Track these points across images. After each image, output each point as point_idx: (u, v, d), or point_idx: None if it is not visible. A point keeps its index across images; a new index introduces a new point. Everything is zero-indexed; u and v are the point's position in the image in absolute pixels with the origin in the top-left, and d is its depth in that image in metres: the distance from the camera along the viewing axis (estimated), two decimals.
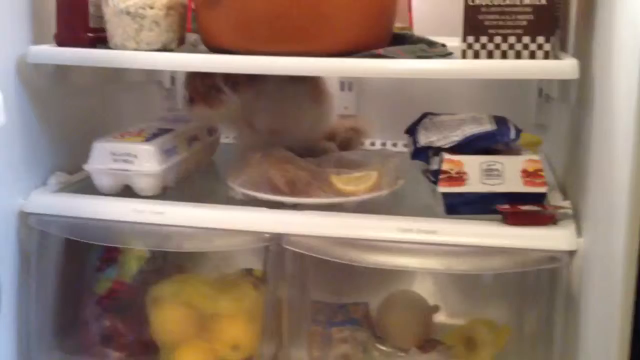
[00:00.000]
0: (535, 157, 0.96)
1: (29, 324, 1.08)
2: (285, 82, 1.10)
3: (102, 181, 1.08)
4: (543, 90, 1.29)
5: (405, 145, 1.29)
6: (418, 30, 1.15)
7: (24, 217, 1.05)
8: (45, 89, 1.10)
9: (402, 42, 1.02)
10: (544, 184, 0.96)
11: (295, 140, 1.15)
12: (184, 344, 1.07)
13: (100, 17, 1.04)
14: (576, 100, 0.96)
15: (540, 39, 0.90)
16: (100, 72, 1.14)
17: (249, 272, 1.10)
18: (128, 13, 0.99)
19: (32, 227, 1.05)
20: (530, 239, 0.92)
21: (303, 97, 1.15)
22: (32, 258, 1.07)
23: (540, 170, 0.96)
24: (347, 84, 1.38)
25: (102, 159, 1.06)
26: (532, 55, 0.91)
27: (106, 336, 1.09)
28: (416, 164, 1.06)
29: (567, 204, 0.98)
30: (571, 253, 0.91)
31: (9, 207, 1.04)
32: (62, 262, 1.10)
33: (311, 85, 1.17)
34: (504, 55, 0.91)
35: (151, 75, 1.42)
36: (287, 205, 1.02)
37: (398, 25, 1.09)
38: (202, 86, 1.11)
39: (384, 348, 1.05)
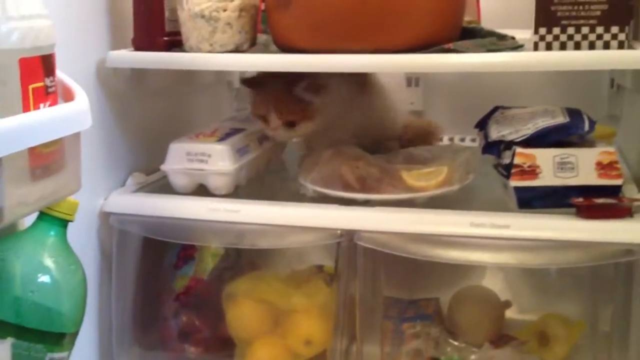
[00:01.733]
0: (610, 148, 0.95)
1: (109, 320, 1.11)
2: (338, 79, 1.11)
3: (178, 181, 1.11)
4: (615, 81, 1.26)
5: (473, 140, 1.29)
6: (485, 23, 1.14)
7: (105, 217, 1.09)
8: (123, 92, 1.13)
9: (471, 35, 1.02)
10: (620, 176, 0.94)
11: (362, 137, 1.16)
12: (259, 339, 1.10)
13: (175, 21, 1.07)
14: None
15: (615, 29, 0.88)
16: (173, 74, 1.18)
17: (321, 268, 1.12)
18: (202, 16, 1.02)
19: (112, 227, 1.09)
20: (605, 232, 0.90)
21: (356, 93, 1.16)
22: (112, 256, 1.10)
23: (616, 162, 0.94)
24: (414, 79, 1.38)
25: (178, 159, 1.09)
26: (607, 46, 0.89)
27: (184, 332, 1.12)
28: (486, 158, 1.06)
29: None
30: None
31: (90, 207, 1.07)
32: (140, 260, 1.13)
33: (361, 79, 1.17)
34: (577, 47, 0.90)
35: (221, 76, 1.46)
36: (358, 202, 1.03)
37: (466, 18, 1.08)
38: (294, 105, 1.10)
39: (456, 343, 1.05)
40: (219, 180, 1.08)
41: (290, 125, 1.10)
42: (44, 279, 0.77)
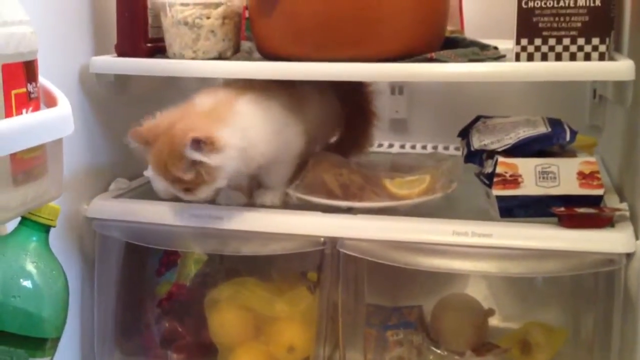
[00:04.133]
0: (591, 158, 0.96)
1: (91, 326, 1.11)
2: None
3: (161, 186, 1.10)
4: (597, 92, 1.28)
5: (457, 149, 1.30)
6: (468, 33, 1.16)
7: (87, 222, 1.09)
8: (106, 98, 1.14)
9: (454, 45, 1.03)
10: (601, 186, 0.95)
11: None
12: (241, 346, 1.10)
13: (159, 28, 1.08)
14: (632, 101, 0.95)
15: (596, 41, 0.90)
16: (156, 80, 1.18)
17: (304, 275, 1.12)
18: (186, 23, 1.02)
19: (94, 232, 1.09)
20: (586, 241, 0.91)
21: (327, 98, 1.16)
22: (95, 262, 1.10)
23: (597, 172, 0.95)
24: (398, 88, 1.39)
25: None
26: (587, 57, 0.90)
27: (166, 338, 1.12)
28: (469, 167, 1.07)
29: (623, 206, 0.97)
30: (628, 255, 0.90)
31: (73, 212, 1.07)
32: (123, 265, 1.13)
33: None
34: (558, 58, 0.91)
35: (204, 83, 1.45)
36: (341, 209, 1.03)
37: (449, 28, 1.09)
38: (184, 169, 0.95)
39: (439, 351, 1.06)
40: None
41: (187, 190, 0.96)
42: (26, 284, 0.77)
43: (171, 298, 1.13)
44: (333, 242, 1.00)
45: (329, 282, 1.03)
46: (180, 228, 1.05)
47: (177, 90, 1.33)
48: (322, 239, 1.00)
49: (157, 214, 1.06)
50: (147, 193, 1.12)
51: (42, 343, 0.77)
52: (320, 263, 1.03)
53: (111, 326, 1.13)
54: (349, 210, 1.03)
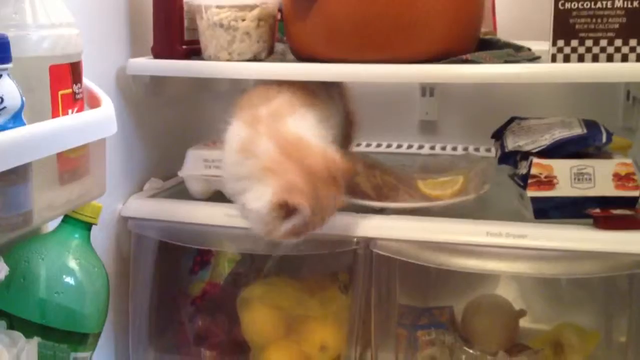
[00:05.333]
0: (627, 160, 0.95)
1: (126, 323, 1.13)
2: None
3: (194, 186, 1.12)
4: (630, 93, 1.27)
5: (488, 150, 1.30)
6: (501, 35, 1.15)
7: (123, 221, 1.11)
8: (141, 99, 1.15)
9: (488, 47, 1.03)
10: (637, 187, 0.94)
11: None
12: (273, 344, 1.10)
13: (194, 30, 1.09)
14: None
15: (633, 42, 0.89)
16: (191, 82, 1.19)
17: (336, 275, 1.12)
18: (221, 25, 1.04)
19: (130, 231, 1.10)
20: (622, 243, 0.91)
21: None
22: (130, 260, 1.12)
23: (633, 173, 0.94)
24: (429, 89, 1.39)
25: (195, 165, 1.11)
26: (625, 59, 0.90)
27: (199, 336, 1.13)
28: (502, 169, 1.07)
29: None
30: None
31: (109, 211, 1.08)
32: (157, 264, 1.14)
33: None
34: (595, 59, 0.91)
35: (238, 84, 1.47)
36: (374, 210, 1.03)
37: (482, 30, 1.09)
38: None
39: (471, 351, 1.05)
40: None
41: None
42: (69, 280, 0.78)
43: (205, 296, 1.14)
44: (366, 242, 1.00)
45: (361, 282, 1.04)
46: (214, 227, 1.06)
47: (211, 92, 1.36)
48: (354, 239, 1.01)
49: (191, 213, 1.07)
50: (181, 193, 1.14)
51: (84, 338, 0.79)
52: (353, 263, 1.04)
53: (145, 323, 1.14)
54: (381, 211, 1.03)
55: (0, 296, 0.72)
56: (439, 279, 1.17)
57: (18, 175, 0.62)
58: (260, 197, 0.83)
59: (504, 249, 0.94)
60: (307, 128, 0.92)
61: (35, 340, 0.69)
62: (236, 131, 0.92)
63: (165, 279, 1.16)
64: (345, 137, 1.14)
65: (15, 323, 0.72)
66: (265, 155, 0.86)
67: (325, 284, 1.12)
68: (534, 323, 1.16)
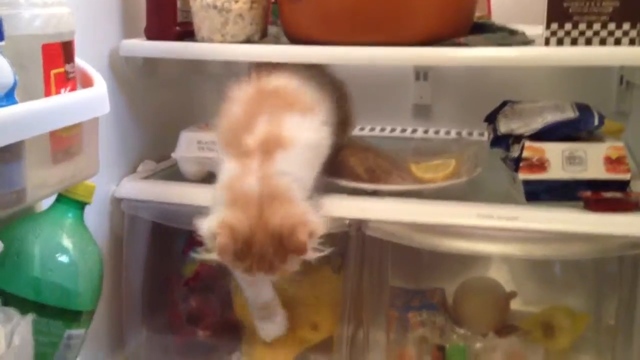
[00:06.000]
0: (618, 143, 0.96)
1: (120, 303, 1.13)
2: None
3: (188, 168, 1.13)
4: (624, 77, 1.27)
5: (481, 134, 1.31)
6: (495, 19, 1.16)
7: (116, 202, 1.11)
8: (134, 80, 1.15)
9: (482, 30, 1.03)
10: (628, 170, 0.95)
11: None
12: None
13: (188, 12, 1.09)
14: None
15: (627, 26, 0.89)
16: (184, 64, 1.19)
17: (328, 256, 1.13)
18: (215, 7, 1.03)
19: (123, 212, 1.11)
20: (612, 225, 0.91)
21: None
22: (123, 241, 1.12)
23: (624, 157, 0.95)
24: (423, 73, 1.39)
25: (189, 147, 1.11)
26: (618, 42, 0.90)
27: (192, 316, 1.14)
28: (495, 152, 1.07)
29: None
30: None
31: (102, 192, 1.09)
32: (151, 245, 1.15)
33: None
34: (588, 42, 0.91)
35: (230, 67, 1.47)
36: (367, 192, 1.04)
37: (476, 14, 1.10)
38: None
39: (462, 331, 1.06)
40: None
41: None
42: (62, 258, 0.79)
43: (197, 277, 1.15)
44: (358, 224, 1.01)
45: (353, 264, 1.05)
46: (206, 209, 1.06)
47: (204, 74, 1.35)
48: (347, 221, 1.01)
49: (185, 194, 1.07)
50: (174, 175, 1.14)
51: (78, 315, 0.80)
52: (345, 245, 1.04)
53: (139, 303, 1.15)
54: (374, 194, 1.04)
55: None
56: (431, 261, 1.19)
57: (11, 153, 0.62)
58: (211, 219, 0.84)
59: (495, 231, 0.95)
60: (296, 167, 0.89)
61: (30, 316, 0.70)
62: (227, 167, 0.90)
63: (159, 260, 1.16)
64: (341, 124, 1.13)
65: (10, 300, 0.72)
66: (243, 190, 0.85)
67: (317, 265, 1.12)
68: (525, 305, 1.17)
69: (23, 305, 0.73)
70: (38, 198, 0.75)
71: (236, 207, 0.84)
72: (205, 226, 0.83)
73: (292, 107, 0.93)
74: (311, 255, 0.84)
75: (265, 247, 0.82)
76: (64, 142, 0.71)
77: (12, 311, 0.70)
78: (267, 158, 0.87)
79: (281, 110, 0.92)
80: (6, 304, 0.72)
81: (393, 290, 1.14)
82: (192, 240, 1.16)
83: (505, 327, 1.08)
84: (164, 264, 1.18)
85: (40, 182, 0.67)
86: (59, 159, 0.70)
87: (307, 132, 0.92)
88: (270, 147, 0.88)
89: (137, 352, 1.15)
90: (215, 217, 0.84)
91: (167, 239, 1.17)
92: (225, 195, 0.86)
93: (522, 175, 0.97)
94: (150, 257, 1.15)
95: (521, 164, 0.96)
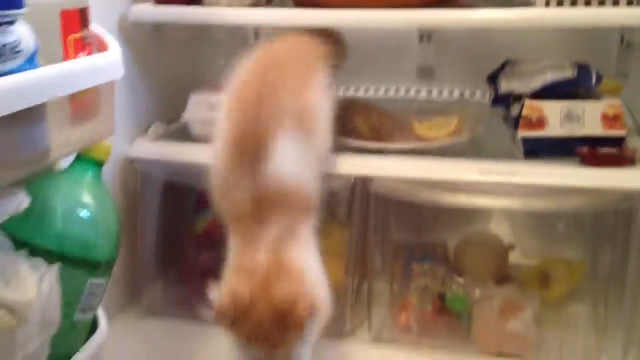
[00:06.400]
0: (615, 101, 0.99)
1: (135, 258, 1.18)
2: None
3: (198, 129, 1.16)
4: (625, 38, 1.29)
5: (484, 95, 1.33)
6: None
7: (129, 163, 1.15)
8: (144, 45, 1.18)
9: None
10: (624, 127, 0.98)
11: None
12: None
13: None
14: None
15: None
16: (192, 28, 1.21)
17: (335, 211, 1.16)
18: None
19: (136, 171, 1.15)
20: (608, 179, 0.95)
21: None
22: (136, 198, 1.16)
23: (620, 114, 0.98)
24: (426, 35, 1.41)
25: (199, 109, 1.14)
26: (616, 3, 0.92)
27: (204, 269, 1.18)
28: (496, 111, 1.10)
29: None
30: None
31: (116, 153, 1.10)
32: (163, 202, 1.19)
33: None
34: (587, 3, 0.93)
35: (237, 31, 1.49)
36: (371, 151, 1.07)
37: None
38: None
39: (461, 281, 1.10)
40: None
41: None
42: (83, 213, 0.83)
43: (208, 233, 1.19)
44: (363, 181, 1.05)
45: (358, 219, 1.09)
46: None
47: (212, 39, 1.38)
48: (352, 178, 1.05)
49: (195, 154, 1.11)
50: (184, 135, 1.17)
51: (98, 266, 0.84)
52: (351, 200, 1.08)
53: (153, 257, 1.20)
54: (378, 152, 1.07)
55: (21, 227, 0.77)
56: (434, 216, 1.22)
57: (35, 115, 0.66)
58: (219, 288, 0.82)
59: (496, 186, 0.99)
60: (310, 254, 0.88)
61: (56, 266, 0.74)
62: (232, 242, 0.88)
63: (171, 216, 1.21)
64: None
65: (36, 252, 0.76)
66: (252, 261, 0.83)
67: (324, 219, 1.16)
68: (524, 258, 1.21)
69: (48, 256, 0.77)
70: (60, 157, 0.79)
71: (242, 275, 0.83)
72: (214, 293, 0.81)
73: (297, 80, 0.90)
74: (309, 335, 0.80)
75: (265, 317, 0.78)
76: (83, 104, 0.75)
77: (39, 261, 0.74)
78: (281, 245, 0.83)
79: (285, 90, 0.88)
80: (32, 255, 0.76)
81: (397, 243, 1.18)
82: (202, 197, 1.21)
83: (503, 277, 1.12)
84: (176, 220, 1.22)
85: (61, 141, 0.71)
86: (78, 119, 0.74)
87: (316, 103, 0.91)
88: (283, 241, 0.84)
89: (153, 303, 1.20)
90: (223, 285, 0.83)
91: (178, 196, 1.21)
92: (234, 269, 0.86)
93: (522, 133, 1.00)
94: (162, 214, 1.19)
95: (520, 122, 0.99)
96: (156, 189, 1.18)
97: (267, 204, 0.83)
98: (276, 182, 0.84)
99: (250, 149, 0.84)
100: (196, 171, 1.10)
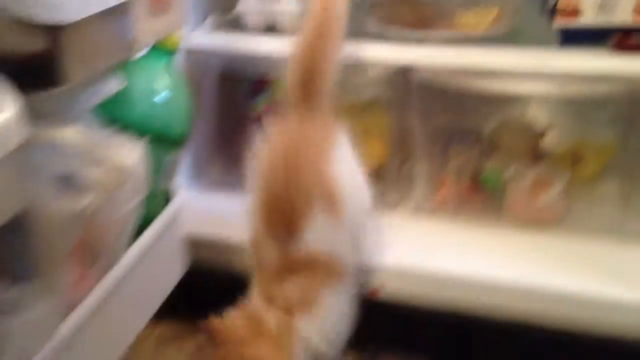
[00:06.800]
0: None
1: (196, 141, 1.27)
2: None
3: (251, 20, 1.23)
4: None
5: None
6: None
7: (188, 53, 1.22)
8: None
9: None
10: None
11: None
12: None
13: None
14: None
15: None
16: None
17: (380, 98, 1.24)
18: None
19: (195, 60, 1.22)
20: (638, 66, 1.01)
21: None
22: (196, 87, 1.25)
23: None
24: None
25: (252, 1, 1.21)
26: None
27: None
28: (534, 2, 1.14)
29: None
30: None
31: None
32: (219, 90, 1.27)
33: None
34: None
35: None
36: (414, 39, 1.13)
37: None
38: None
39: (496, 161, 1.18)
40: (288, 20, 1.20)
41: None
42: (163, 96, 0.94)
43: (267, 112, 1.26)
44: (406, 69, 1.11)
45: (401, 105, 1.16)
46: (269, 57, 1.16)
47: None
48: (396, 66, 1.12)
49: (249, 44, 1.19)
50: (239, 27, 1.24)
51: (174, 143, 0.95)
52: (394, 88, 1.15)
53: (212, 140, 1.29)
54: (421, 41, 1.13)
55: (111, 107, 0.87)
56: (471, 102, 1.29)
57: (123, 9, 0.75)
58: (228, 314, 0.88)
59: (532, 73, 1.05)
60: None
61: (143, 140, 0.85)
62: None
63: (227, 103, 1.29)
64: None
65: (125, 128, 0.87)
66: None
67: (369, 106, 1.24)
68: (558, 142, 1.28)
69: (136, 132, 0.87)
70: (143, 45, 0.88)
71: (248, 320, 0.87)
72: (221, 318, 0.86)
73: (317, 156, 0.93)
74: None
75: None
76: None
77: (128, 136, 0.85)
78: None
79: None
80: (124, 131, 0.86)
81: (436, 128, 1.24)
82: (256, 84, 1.30)
83: (536, 157, 1.19)
84: (232, 106, 1.31)
85: (144, 32, 0.81)
86: (156, 13, 0.83)
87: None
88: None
89: (213, 182, 1.31)
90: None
91: (234, 85, 1.30)
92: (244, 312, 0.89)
93: (558, 22, 1.05)
94: (220, 100, 1.28)
95: (557, 12, 1.05)
96: (213, 78, 1.26)
97: (291, 270, 0.89)
98: (303, 254, 0.89)
99: (280, 225, 0.90)
100: (251, 60, 1.18)
